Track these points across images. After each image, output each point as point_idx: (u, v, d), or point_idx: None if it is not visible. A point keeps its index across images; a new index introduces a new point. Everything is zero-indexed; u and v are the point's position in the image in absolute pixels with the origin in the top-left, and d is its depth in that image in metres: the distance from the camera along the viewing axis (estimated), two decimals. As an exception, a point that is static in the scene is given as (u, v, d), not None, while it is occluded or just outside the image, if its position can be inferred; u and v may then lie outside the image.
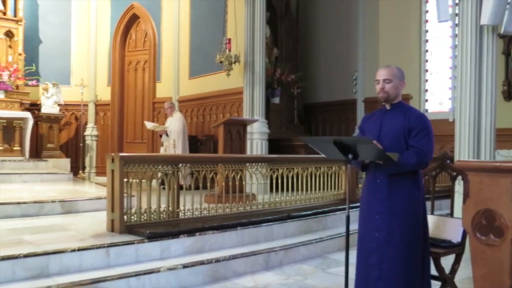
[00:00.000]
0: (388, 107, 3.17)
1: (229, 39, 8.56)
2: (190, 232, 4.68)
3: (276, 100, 9.81)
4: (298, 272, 4.74)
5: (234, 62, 8.41)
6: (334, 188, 6.82)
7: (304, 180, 6.30)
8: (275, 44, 10.23)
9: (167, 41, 10.87)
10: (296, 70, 10.45)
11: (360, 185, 6.99)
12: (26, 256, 3.70)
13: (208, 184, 5.59)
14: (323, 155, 3.27)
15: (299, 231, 5.70)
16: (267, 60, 9.14)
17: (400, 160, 2.93)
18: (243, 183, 5.69)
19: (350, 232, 3.08)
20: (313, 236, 5.62)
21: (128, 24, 11.38)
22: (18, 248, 3.91)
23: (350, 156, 2.95)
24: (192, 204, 5.09)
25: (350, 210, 3.03)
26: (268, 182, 6.08)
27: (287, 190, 6.07)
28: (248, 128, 7.67)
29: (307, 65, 11.07)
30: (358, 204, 3.28)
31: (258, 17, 8.35)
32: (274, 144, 8.69)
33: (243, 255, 4.70)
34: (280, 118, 9.95)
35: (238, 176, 5.55)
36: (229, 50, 8.43)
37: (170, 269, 4.12)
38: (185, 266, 4.22)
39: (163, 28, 10.95)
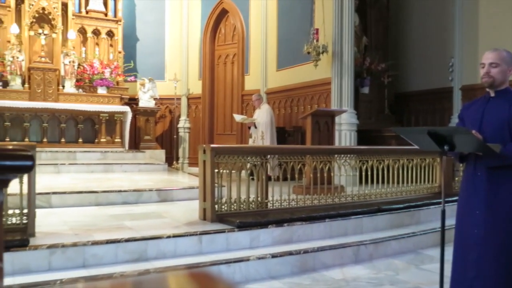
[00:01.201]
0: (492, 94, 2.92)
1: (317, 29, 8.46)
2: (279, 223, 4.72)
3: (366, 90, 9.54)
4: (389, 267, 4.60)
5: (322, 53, 8.30)
6: (428, 181, 6.51)
7: (395, 172, 6.08)
8: (364, 33, 9.94)
9: (255, 34, 11.01)
10: (386, 58, 10.08)
11: (456, 178, 6.61)
12: (127, 240, 3.98)
13: (296, 175, 5.60)
14: (416, 147, 3.13)
15: (390, 225, 5.52)
16: (355, 49, 8.92)
17: (503, 151, 2.71)
18: (332, 174, 5.62)
19: (445, 228, 2.92)
20: (405, 230, 5.41)
21: (218, 19, 11.69)
22: (119, 233, 4.21)
23: (445, 147, 2.78)
24: (280, 195, 5.13)
25: (446, 205, 2.88)
26: (357, 174, 5.95)
27: (377, 182, 5.90)
28: (337, 119, 7.55)
29: (398, 53, 10.63)
30: (454, 198, 3.10)
31: (346, 6, 8.17)
32: (364, 135, 8.47)
33: (331, 247, 4.66)
34: (369, 109, 9.68)
35: (326, 167, 5.49)
36: (317, 41, 8.34)
37: (259, 258, 4.20)
38: (273, 256, 4.28)
39: (251, 21, 11.09)
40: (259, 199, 5.01)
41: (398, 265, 4.66)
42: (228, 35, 11.70)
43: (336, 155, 5.67)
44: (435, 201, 6.06)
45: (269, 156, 5.13)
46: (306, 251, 4.47)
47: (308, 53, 8.41)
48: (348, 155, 5.76)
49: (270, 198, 5.11)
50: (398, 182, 6.14)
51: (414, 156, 6.25)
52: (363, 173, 5.80)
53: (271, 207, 5.08)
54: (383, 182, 6.01)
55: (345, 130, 8.11)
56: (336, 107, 8.09)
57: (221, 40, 11.82)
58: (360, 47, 9.65)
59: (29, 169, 0.93)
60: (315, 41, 8.34)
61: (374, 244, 4.93)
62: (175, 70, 11.79)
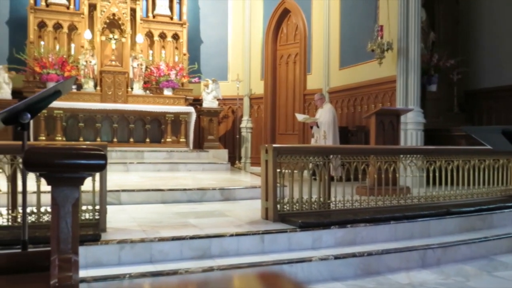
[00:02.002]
0: None
1: (381, 26, 8.25)
2: (342, 224, 4.66)
3: (433, 87, 9.17)
4: (459, 273, 4.40)
5: (387, 50, 8.08)
6: (502, 183, 6.15)
7: (466, 173, 5.80)
8: (431, 28, 9.56)
9: (317, 33, 10.92)
10: (455, 54, 9.63)
11: (534, 181, 6.20)
12: (191, 238, 4.08)
13: (360, 176, 5.49)
14: (489, 147, 2.96)
15: (460, 229, 5.27)
16: (422, 45, 8.60)
17: None
18: (397, 175, 5.46)
19: (522, 233, 2.75)
20: (476, 234, 5.15)
21: (280, 19, 11.71)
22: (184, 230, 4.32)
23: (522, 147, 2.61)
24: (343, 196, 5.05)
25: (523, 208, 2.70)
26: (424, 175, 5.74)
27: (446, 184, 5.65)
28: (402, 118, 7.33)
29: (468, 49, 10.13)
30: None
31: (412, 0, 7.89)
32: (431, 135, 8.15)
33: (396, 250, 4.53)
34: (437, 107, 9.28)
35: (391, 168, 5.34)
36: (381, 38, 8.13)
37: (321, 259, 4.16)
38: (336, 257, 4.22)
39: (313, 20, 11.02)
40: (321, 199, 4.96)
41: (468, 271, 4.45)
42: (290, 35, 11.69)
43: (401, 155, 5.50)
44: (509, 204, 5.72)
45: (331, 156, 5.07)
46: (370, 254, 4.37)
47: (372, 50, 8.21)
48: (414, 156, 5.56)
49: (332, 198, 5.05)
50: (468, 184, 5.86)
51: (486, 157, 5.93)
52: (431, 174, 5.58)
53: (334, 208, 5.02)
54: (452, 183, 5.75)
55: (411, 130, 7.84)
56: (401, 106, 7.84)
57: (283, 40, 11.83)
58: (427, 43, 9.29)
59: (102, 167, 0.98)
60: (379, 38, 8.14)
61: (442, 248, 4.73)
62: (237, 70, 11.96)
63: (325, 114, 8.92)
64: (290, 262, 4.03)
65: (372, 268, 4.34)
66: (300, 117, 9.50)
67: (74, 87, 10.02)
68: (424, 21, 9.11)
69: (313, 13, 11.02)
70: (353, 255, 4.31)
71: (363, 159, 5.19)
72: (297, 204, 4.84)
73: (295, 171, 4.84)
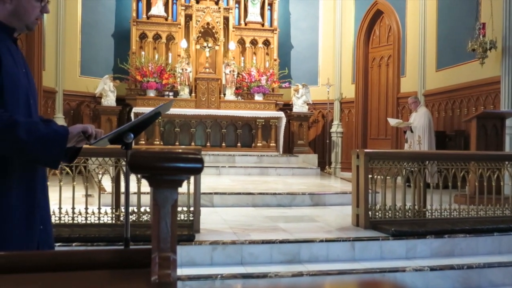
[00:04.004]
0: None
1: (483, 24, 7.72)
2: (438, 234, 4.42)
3: (544, 88, 8.40)
4: None
5: (490, 49, 7.55)
6: None
7: None
8: (542, 24, 8.76)
9: (411, 33, 10.49)
10: None
11: None
12: (281, 242, 4.11)
13: (459, 183, 5.17)
14: None
15: None
16: (531, 42, 7.91)
17: None
18: (501, 183, 5.06)
19: None
20: None
21: (372, 20, 11.42)
22: (274, 234, 4.36)
23: None
24: (440, 204, 4.79)
25: None
26: (533, 184, 5.26)
27: (559, 194, 5.13)
28: (507, 122, 6.79)
29: None
30: None
31: (519, -5, 7.30)
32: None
33: (500, 264, 4.20)
34: (549, 110, 8.48)
35: (495, 175, 4.97)
36: (483, 36, 7.61)
37: (416, 269, 3.98)
38: (432, 269, 4.01)
39: (408, 20, 10.60)
40: (416, 207, 4.75)
41: None
42: (382, 37, 11.36)
43: (507, 162, 5.09)
44: None
45: (427, 162, 4.83)
46: (470, 267, 4.10)
47: (473, 50, 7.72)
48: (522, 163, 5.13)
49: (428, 206, 4.81)
50: None
51: None
52: (541, 183, 5.10)
53: (430, 217, 4.78)
54: None
55: (517, 134, 7.24)
56: (507, 109, 7.27)
57: (375, 42, 11.52)
58: (537, 41, 8.53)
59: (199, 171, 1.02)
60: (481, 36, 7.62)
61: (555, 265, 4.30)
62: (328, 74, 11.84)
63: (419, 118, 8.53)
64: (382, 271, 3.90)
65: (472, 282, 4.06)
66: (392, 121, 9.17)
67: (171, 93, 10.59)
68: (533, 17, 8.37)
69: (408, 13, 10.60)
70: (451, 267, 4.06)
71: (462, 166, 4.88)
72: (389, 212, 4.68)
73: (388, 177, 4.68)
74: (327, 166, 11.42)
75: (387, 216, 4.66)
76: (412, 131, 8.60)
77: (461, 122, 8.32)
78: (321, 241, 4.17)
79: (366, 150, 4.69)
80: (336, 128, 12.03)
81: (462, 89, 8.79)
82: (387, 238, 4.28)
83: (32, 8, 1.91)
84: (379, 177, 4.69)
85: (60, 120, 9.62)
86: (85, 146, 2.04)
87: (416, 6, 10.34)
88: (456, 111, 9.10)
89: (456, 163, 4.85)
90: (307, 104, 11.38)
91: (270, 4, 11.43)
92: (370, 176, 4.64)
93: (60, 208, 4.18)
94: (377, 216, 4.64)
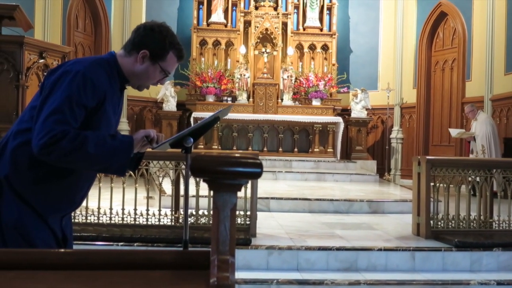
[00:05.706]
0: None
1: (558, 25, 7.26)
2: (506, 246, 4.19)
3: None
4: None
5: None
6: None
7: None
8: None
9: (478, 35, 10.03)
10: None
11: None
12: (338, 249, 4.05)
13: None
14: None
15: None
16: None
17: None
18: None
19: None
20: None
21: (435, 23, 11.04)
22: (331, 241, 4.31)
23: None
24: (508, 215, 4.54)
25: None
26: None
27: None
28: None
29: None
30: None
31: None
32: None
33: None
34: None
35: None
36: (558, 37, 7.16)
37: (481, 283, 3.79)
38: (499, 283, 3.81)
39: (474, 22, 10.15)
40: (481, 217, 4.53)
41: None
42: (446, 40, 10.94)
43: None
44: None
45: (494, 170, 4.60)
46: (542, 283, 3.85)
47: (546, 52, 7.28)
48: None
49: (495, 217, 4.57)
50: None
51: None
52: None
53: (497, 228, 4.55)
54: None
55: None
56: None
57: (438, 45, 11.12)
58: None
59: (258, 175, 1.04)
60: (555, 38, 7.17)
61: None
62: (388, 79, 11.55)
63: (480, 126, 8.13)
64: (445, 283, 3.75)
65: (545, 300, 3.81)
66: (454, 132, 8.81)
67: (229, 99, 10.75)
68: None
69: (474, 14, 10.15)
70: (521, 283, 3.84)
71: (533, 175, 4.60)
72: (453, 222, 4.49)
73: (451, 185, 4.50)
74: (386, 173, 11.12)
75: (450, 226, 4.47)
76: (475, 141, 8.22)
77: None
78: (380, 249, 4.06)
79: (428, 157, 4.54)
80: (396, 134, 11.70)
81: (534, 94, 8.30)
82: (450, 249, 4.11)
83: (154, 77, 2.08)
84: (441, 185, 4.51)
85: (124, 124, 10.03)
86: (147, 150, 2.12)
87: (484, 6, 9.88)
88: (527, 117, 8.60)
89: (526, 172, 4.58)
90: (366, 109, 11.16)
91: (329, 9, 11.34)
92: (432, 184, 4.48)
93: (123, 209, 4.36)
94: (439, 226, 4.47)
